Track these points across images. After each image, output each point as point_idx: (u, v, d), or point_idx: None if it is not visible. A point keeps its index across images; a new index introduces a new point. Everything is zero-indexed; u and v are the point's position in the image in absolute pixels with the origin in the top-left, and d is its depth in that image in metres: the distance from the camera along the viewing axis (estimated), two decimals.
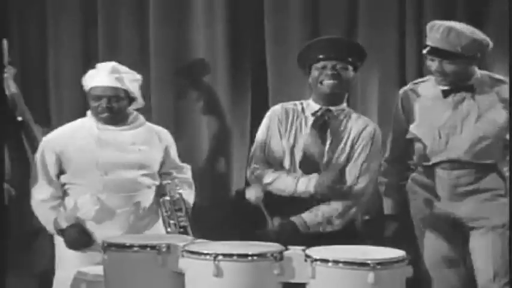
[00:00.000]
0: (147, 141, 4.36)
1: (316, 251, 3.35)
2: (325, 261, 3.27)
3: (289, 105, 4.11)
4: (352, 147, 3.97)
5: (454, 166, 4.04)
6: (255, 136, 4.34)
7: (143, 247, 3.51)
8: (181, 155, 5.42)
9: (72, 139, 4.30)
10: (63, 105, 5.87)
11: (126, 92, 4.30)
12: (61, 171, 4.29)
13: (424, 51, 4.05)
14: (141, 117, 4.43)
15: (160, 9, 5.74)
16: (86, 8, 6.01)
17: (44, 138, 4.39)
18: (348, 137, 3.97)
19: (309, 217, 3.91)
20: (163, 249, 3.47)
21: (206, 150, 5.56)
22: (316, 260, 3.28)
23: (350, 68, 3.97)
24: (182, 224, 4.16)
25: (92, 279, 3.76)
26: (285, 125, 4.03)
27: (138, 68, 5.92)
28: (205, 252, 3.33)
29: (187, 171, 4.52)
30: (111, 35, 5.91)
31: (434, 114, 4.07)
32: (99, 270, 3.65)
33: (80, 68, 5.76)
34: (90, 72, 4.39)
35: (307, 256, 3.32)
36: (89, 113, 4.37)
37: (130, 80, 4.33)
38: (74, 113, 5.74)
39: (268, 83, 5.42)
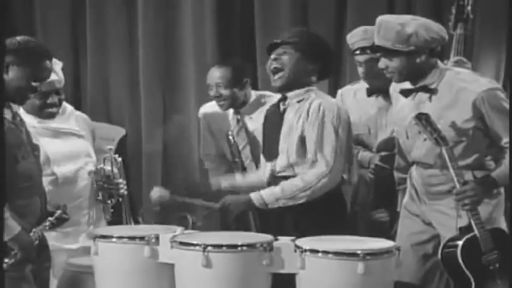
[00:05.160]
0: (82, 127, 4.28)
1: (306, 242, 3.35)
2: (315, 251, 3.27)
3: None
4: (303, 127, 3.81)
5: (425, 166, 3.86)
6: None
7: (132, 238, 3.49)
8: (171, 147, 5.45)
9: None
10: None
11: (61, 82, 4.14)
12: None
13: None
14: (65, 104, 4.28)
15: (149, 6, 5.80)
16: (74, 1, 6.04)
17: None
18: (299, 118, 3.83)
19: (266, 193, 3.80)
20: (152, 240, 3.46)
21: (196, 141, 5.58)
22: (305, 250, 3.28)
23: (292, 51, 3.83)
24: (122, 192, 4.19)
25: (82, 270, 3.75)
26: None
27: (126, 60, 5.99)
28: (195, 243, 3.32)
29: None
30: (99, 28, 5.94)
31: (402, 114, 3.92)
32: (88, 261, 3.64)
33: (69, 63, 5.78)
34: None
35: (297, 246, 3.31)
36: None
37: (60, 69, 4.13)
38: None
39: (257, 76, 5.43)
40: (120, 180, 4.24)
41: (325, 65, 3.95)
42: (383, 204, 4.41)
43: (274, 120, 3.92)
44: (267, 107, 4.18)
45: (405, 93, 3.88)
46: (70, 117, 4.25)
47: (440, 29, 3.81)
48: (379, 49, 3.79)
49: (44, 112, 4.08)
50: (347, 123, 3.85)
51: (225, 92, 4.64)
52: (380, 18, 3.82)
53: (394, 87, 3.99)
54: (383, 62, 3.81)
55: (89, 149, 4.25)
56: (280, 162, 3.85)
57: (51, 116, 4.11)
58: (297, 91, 3.86)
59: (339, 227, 3.66)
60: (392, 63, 3.77)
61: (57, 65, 4.05)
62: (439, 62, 3.83)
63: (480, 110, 3.69)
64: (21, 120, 3.46)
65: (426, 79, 3.80)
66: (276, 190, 3.79)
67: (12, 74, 3.33)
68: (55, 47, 5.94)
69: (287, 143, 3.83)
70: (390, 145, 4.23)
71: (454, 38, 4.48)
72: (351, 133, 3.93)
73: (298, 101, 3.85)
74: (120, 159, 4.24)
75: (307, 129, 3.80)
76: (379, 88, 4.35)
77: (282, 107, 3.90)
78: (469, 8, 4.50)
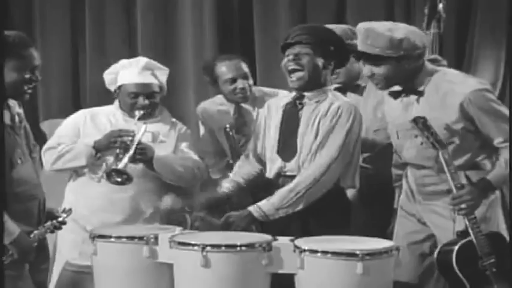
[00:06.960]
0: (167, 134, 4.36)
1: (305, 242, 3.34)
2: (314, 251, 3.27)
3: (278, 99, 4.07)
4: (318, 127, 3.80)
5: (418, 167, 3.86)
6: None
7: (131, 238, 3.49)
8: None
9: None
10: (51, 99, 5.89)
11: (160, 86, 4.33)
12: None
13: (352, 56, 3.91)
14: (165, 110, 4.45)
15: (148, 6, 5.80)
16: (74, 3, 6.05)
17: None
18: (315, 118, 3.82)
19: (265, 205, 3.74)
20: (151, 240, 3.46)
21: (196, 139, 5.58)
22: (304, 250, 3.28)
23: (311, 52, 3.81)
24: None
25: (81, 269, 3.75)
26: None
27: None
28: (193, 243, 3.32)
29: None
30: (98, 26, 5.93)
31: (393, 115, 3.92)
32: (87, 260, 3.63)
33: (68, 62, 5.78)
34: (118, 69, 4.35)
35: (296, 247, 3.31)
36: (116, 103, 4.35)
37: (162, 74, 4.35)
38: (62, 107, 5.77)
39: (256, 72, 5.44)
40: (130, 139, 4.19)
41: (340, 60, 3.94)
42: (371, 203, 4.38)
43: (291, 119, 3.88)
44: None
45: (394, 95, 3.87)
46: (161, 123, 4.36)
47: (424, 36, 3.84)
48: (364, 56, 3.76)
49: (133, 112, 4.26)
50: (359, 128, 3.83)
51: (250, 82, 4.62)
52: (364, 27, 3.77)
53: None
54: (369, 69, 3.77)
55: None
56: (293, 161, 3.84)
57: (142, 117, 4.26)
58: (315, 91, 3.84)
59: (343, 228, 3.66)
60: (380, 70, 3.74)
61: (162, 71, 4.33)
62: (427, 63, 3.81)
63: (468, 112, 3.67)
64: (21, 121, 3.44)
65: (414, 81, 3.78)
66: (273, 200, 3.74)
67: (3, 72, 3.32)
68: (54, 46, 5.95)
69: (301, 143, 3.81)
70: (367, 146, 4.23)
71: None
72: (360, 139, 3.89)
73: (316, 101, 3.84)
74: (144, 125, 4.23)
75: (321, 130, 3.79)
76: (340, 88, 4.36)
77: (299, 106, 3.88)
78: (441, 6, 4.50)
